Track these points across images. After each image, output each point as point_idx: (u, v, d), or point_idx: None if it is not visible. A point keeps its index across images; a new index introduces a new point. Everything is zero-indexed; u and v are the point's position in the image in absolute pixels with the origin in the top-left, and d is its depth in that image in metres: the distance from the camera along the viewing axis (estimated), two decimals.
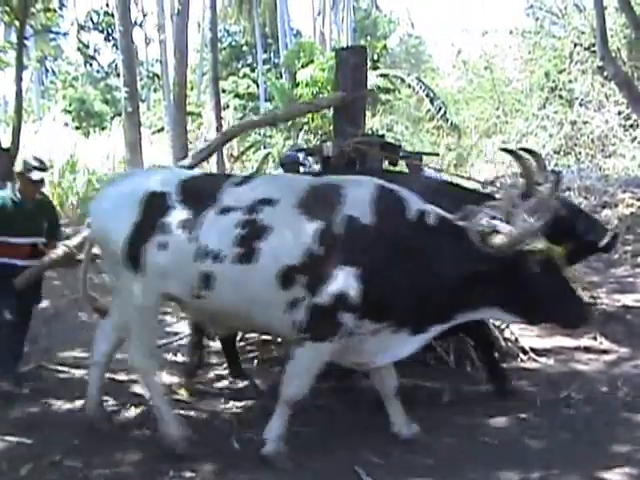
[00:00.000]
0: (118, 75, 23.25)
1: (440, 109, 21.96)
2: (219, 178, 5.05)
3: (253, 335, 6.71)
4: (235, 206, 4.35)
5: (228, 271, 4.25)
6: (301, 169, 8.95)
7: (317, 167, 9.37)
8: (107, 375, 6.12)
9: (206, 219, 4.33)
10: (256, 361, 6.48)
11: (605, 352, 6.86)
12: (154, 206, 4.47)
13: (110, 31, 39.46)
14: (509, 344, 6.83)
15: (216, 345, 7.10)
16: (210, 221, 4.33)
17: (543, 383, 6.10)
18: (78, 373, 6.29)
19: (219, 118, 22.12)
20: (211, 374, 6.39)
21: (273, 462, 4.40)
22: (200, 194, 4.48)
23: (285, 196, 4.36)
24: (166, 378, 6.18)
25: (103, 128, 28.78)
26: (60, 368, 6.41)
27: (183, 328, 7.84)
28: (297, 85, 21.92)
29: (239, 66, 42.87)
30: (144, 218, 4.45)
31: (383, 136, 7.91)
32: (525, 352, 6.80)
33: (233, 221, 4.29)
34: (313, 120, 21.66)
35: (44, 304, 9.13)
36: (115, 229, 4.53)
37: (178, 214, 4.41)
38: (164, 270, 4.39)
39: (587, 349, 6.91)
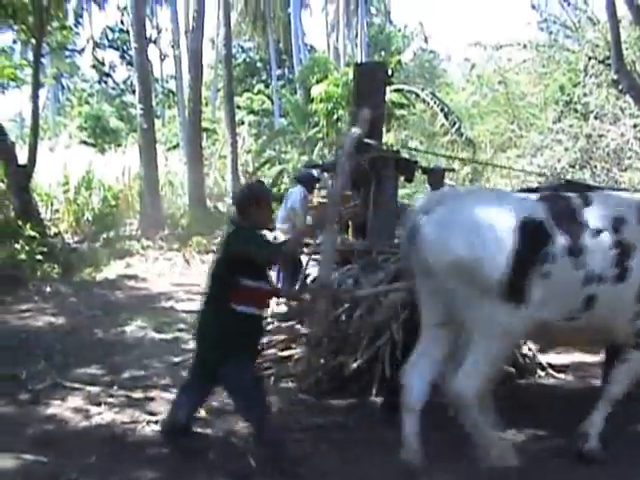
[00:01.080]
0: (133, 92, 23.46)
1: (454, 124, 21.94)
2: (562, 200, 4.75)
3: (271, 352, 6.68)
4: (601, 227, 4.45)
5: (608, 291, 4.41)
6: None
7: (331, 183, 9.40)
8: (122, 392, 6.15)
9: (584, 243, 4.39)
10: (273, 378, 6.44)
11: None
12: (533, 234, 4.32)
13: (125, 48, 40.08)
14: (527, 360, 6.78)
15: None
16: (589, 245, 4.39)
17: (562, 400, 6.04)
18: (94, 390, 6.27)
19: (234, 134, 22.24)
20: None
21: (594, 457, 4.67)
22: (566, 218, 4.47)
23: (629, 214, 4.56)
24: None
25: (119, 145, 28.97)
26: (76, 385, 6.38)
27: None
28: (312, 101, 21.98)
29: (253, 82, 43.06)
30: (524, 247, 4.27)
31: (398, 152, 7.88)
32: (543, 368, 6.75)
33: (606, 243, 4.41)
34: (328, 135, 21.71)
35: (60, 321, 9.24)
36: (489, 259, 4.26)
37: (559, 241, 4.36)
38: (544, 298, 4.32)
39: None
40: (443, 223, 4.41)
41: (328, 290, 5.28)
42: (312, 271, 8.40)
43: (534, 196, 4.74)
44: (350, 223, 8.74)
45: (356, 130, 6.41)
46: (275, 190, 21.17)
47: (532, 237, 4.26)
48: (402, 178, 7.72)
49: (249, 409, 4.63)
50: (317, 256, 8.24)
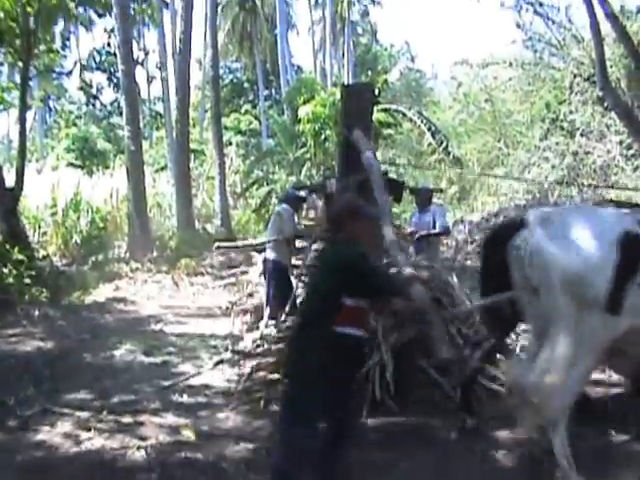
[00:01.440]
0: (121, 114, 23.40)
1: (442, 142, 22.00)
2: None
3: (260, 374, 6.69)
4: None
5: None
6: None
7: (320, 203, 9.44)
8: (112, 417, 6.13)
9: None
10: (262, 401, 6.43)
11: (614, 385, 6.80)
12: (632, 246, 4.48)
13: (112, 70, 40.10)
14: None
15: (221, 385, 7.10)
16: None
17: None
18: (83, 415, 6.24)
19: (222, 155, 22.26)
20: (218, 414, 6.35)
21: None
22: None
23: None
24: (171, 419, 6.15)
25: (106, 167, 28.95)
26: (66, 411, 6.35)
27: (188, 368, 7.84)
28: (299, 121, 22.01)
29: (241, 103, 43.29)
30: (625, 259, 4.43)
31: (387, 172, 7.92)
32: None
33: None
34: (316, 155, 21.76)
35: (49, 345, 9.20)
36: (599, 272, 4.42)
37: None
38: (636, 306, 4.48)
39: (596, 383, 6.85)
40: (557, 240, 4.56)
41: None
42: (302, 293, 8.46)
43: (626, 212, 5.08)
44: None
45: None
46: (263, 211, 21.22)
47: (632, 249, 4.44)
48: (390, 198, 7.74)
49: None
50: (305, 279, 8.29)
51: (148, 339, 9.55)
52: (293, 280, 8.36)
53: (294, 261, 8.88)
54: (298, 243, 9.14)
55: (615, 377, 6.95)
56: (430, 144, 22.50)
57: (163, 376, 7.56)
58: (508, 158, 22.50)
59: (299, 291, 8.03)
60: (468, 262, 13.82)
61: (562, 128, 21.05)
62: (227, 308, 10.67)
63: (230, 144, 30.50)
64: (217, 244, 10.95)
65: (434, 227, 9.27)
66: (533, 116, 22.57)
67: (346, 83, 28.67)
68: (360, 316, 4.33)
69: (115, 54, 24.14)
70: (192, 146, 23.76)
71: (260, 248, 10.19)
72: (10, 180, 13.49)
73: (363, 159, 6.68)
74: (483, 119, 24.99)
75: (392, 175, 9.83)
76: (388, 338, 6.10)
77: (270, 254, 9.01)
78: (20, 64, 13.92)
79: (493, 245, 5.37)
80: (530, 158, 20.73)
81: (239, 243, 13.63)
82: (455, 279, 7.00)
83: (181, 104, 20.70)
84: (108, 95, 45.51)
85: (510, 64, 23.64)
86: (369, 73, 43.26)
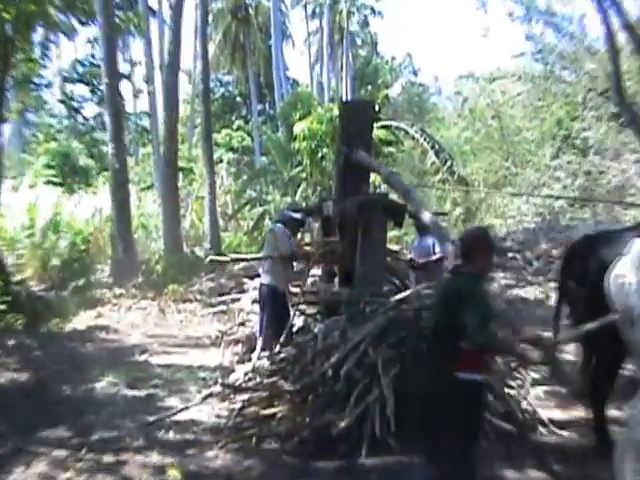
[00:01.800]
0: (104, 128, 23.46)
1: (446, 161, 22.12)
2: None
3: (252, 410, 6.66)
4: None
5: None
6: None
7: (316, 225, 9.46)
8: (92, 456, 6.09)
9: None
10: (254, 439, 6.40)
11: None
12: None
13: (96, 83, 40.21)
14: (527, 416, 6.77)
15: (210, 421, 7.06)
16: None
17: (565, 458, 6.01)
18: (61, 454, 6.19)
19: (212, 173, 22.26)
20: (207, 453, 6.30)
21: None
22: None
23: None
24: (156, 458, 6.11)
25: (89, 184, 28.98)
26: (41, 449, 6.30)
27: (175, 402, 7.79)
28: (294, 138, 22.11)
29: (233, 118, 43.44)
30: None
31: (387, 195, 7.95)
32: (545, 424, 6.73)
33: None
34: (312, 175, 21.82)
35: (24, 377, 9.14)
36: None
37: None
38: None
39: (612, 421, 6.83)
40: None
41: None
42: (298, 322, 8.45)
43: None
44: (336, 270, 8.81)
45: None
46: (256, 234, 21.24)
47: None
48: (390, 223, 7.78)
49: None
50: (302, 307, 8.29)
51: (132, 371, 9.50)
52: (290, 307, 8.35)
53: (291, 287, 8.86)
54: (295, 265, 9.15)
55: None
56: (433, 163, 22.63)
57: (148, 411, 7.50)
58: (516, 178, 22.59)
59: (296, 320, 8.04)
60: None
61: (574, 146, 21.15)
62: (217, 338, 10.63)
63: (221, 162, 30.56)
64: (210, 257, 11.03)
65: (434, 252, 9.25)
66: (543, 133, 22.66)
67: (345, 99, 28.95)
68: (480, 360, 4.37)
69: (99, 65, 24.21)
70: (180, 164, 23.81)
71: (253, 274, 10.20)
72: None
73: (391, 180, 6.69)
74: (490, 136, 25.08)
75: (392, 197, 9.83)
76: (389, 371, 6.10)
77: (265, 278, 8.93)
78: None
79: (585, 268, 5.65)
80: (540, 178, 20.81)
81: (233, 256, 13.70)
82: None
83: (169, 119, 20.72)
84: (91, 109, 45.54)
85: (519, 78, 23.80)
86: (369, 87, 43.56)
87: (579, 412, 6.96)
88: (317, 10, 44.65)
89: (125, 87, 35.52)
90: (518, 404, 6.77)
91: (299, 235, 10.72)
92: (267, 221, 21.88)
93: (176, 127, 21.50)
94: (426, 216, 6.38)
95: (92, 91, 43.61)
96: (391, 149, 23.42)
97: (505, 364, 6.94)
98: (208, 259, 10.92)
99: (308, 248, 9.50)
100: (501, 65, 24.49)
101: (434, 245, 9.27)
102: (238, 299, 12.56)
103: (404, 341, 6.36)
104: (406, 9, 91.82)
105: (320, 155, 21.40)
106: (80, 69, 44.10)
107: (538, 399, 6.98)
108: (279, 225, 9.09)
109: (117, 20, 20.46)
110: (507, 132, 24.37)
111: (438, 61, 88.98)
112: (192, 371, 9.34)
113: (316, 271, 10.11)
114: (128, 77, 37.55)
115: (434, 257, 9.19)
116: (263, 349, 8.14)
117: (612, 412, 6.13)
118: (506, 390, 6.75)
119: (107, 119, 19.13)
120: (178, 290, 15.90)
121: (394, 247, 10.50)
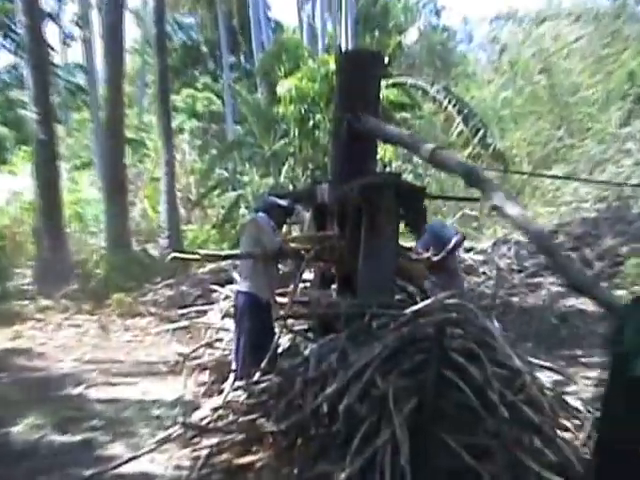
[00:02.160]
0: (24, 86, 23.36)
1: (478, 130, 22.07)
2: None
3: (223, 458, 6.69)
4: None
5: None
6: None
7: (307, 215, 9.46)
8: None
9: None
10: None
11: None
12: None
13: (11, 24, 40.01)
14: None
15: (167, 474, 7.08)
16: None
17: None
18: None
19: (170, 147, 22.21)
20: None
21: None
22: None
23: None
24: None
25: (3, 161, 28.94)
26: None
27: (120, 450, 7.82)
28: (278, 101, 22.06)
29: (197, 74, 43.35)
30: None
31: (400, 175, 7.98)
32: None
33: None
34: (301, 150, 21.81)
35: None
36: None
37: None
38: None
39: None
40: None
41: None
42: (284, 341, 8.49)
43: None
44: (334, 274, 8.83)
45: None
46: (228, 226, 21.26)
47: None
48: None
49: None
50: (290, 321, 8.34)
51: (63, 408, 9.50)
52: (274, 323, 8.38)
53: (276, 296, 8.89)
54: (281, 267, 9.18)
55: None
56: (461, 133, 22.56)
57: (84, 462, 7.49)
58: (572, 152, 22.53)
59: (282, 339, 8.06)
60: (514, 298, 13.84)
61: None
62: (177, 363, 10.67)
63: (182, 132, 30.58)
64: (173, 254, 11.05)
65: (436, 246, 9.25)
66: (610, 92, 22.58)
67: (344, 48, 28.92)
68: None
69: (13, 0, 24.14)
70: (128, 134, 23.76)
71: (226, 279, 10.22)
72: None
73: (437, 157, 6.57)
74: (537, 98, 25.02)
75: (407, 177, 9.85)
76: (403, 406, 6.11)
77: (242, 284, 8.91)
78: None
79: None
80: (604, 152, 20.76)
81: (203, 252, 13.76)
82: (496, 323, 7.03)
83: (111, 75, 20.67)
84: (4, 58, 45.34)
85: (577, 18, 23.66)
86: (376, 33, 43.46)
87: None
88: None
89: (51, 31, 35.40)
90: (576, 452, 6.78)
91: (285, 228, 10.74)
92: (243, 210, 21.87)
93: (121, 85, 21.45)
94: (514, 210, 5.88)
95: (5, 35, 43.35)
96: (405, 114, 23.40)
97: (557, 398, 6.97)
98: (170, 256, 10.92)
99: (296, 245, 9.51)
100: (552, 1, 24.34)
101: (441, 231, 9.34)
102: (205, 312, 12.60)
103: (422, 366, 6.37)
104: None
105: (312, 123, 21.38)
106: None
107: None
108: (261, 214, 9.09)
109: None
110: (560, 91, 24.30)
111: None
112: (144, 407, 9.38)
113: (308, 275, 10.14)
114: (55, 18, 37.39)
115: (450, 245, 9.21)
116: (239, 378, 8.16)
117: None
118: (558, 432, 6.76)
119: (27, 72, 19.07)
120: (125, 301, 15.96)
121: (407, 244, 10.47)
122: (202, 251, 13.69)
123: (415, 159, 22.46)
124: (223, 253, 13.09)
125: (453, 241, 9.24)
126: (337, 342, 6.79)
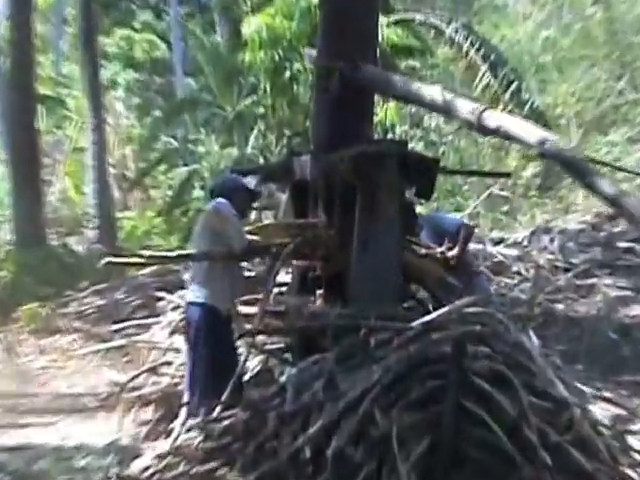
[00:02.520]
0: None
1: (510, 83, 22.11)
2: None
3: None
4: None
5: None
6: None
7: (283, 197, 9.48)
8: None
9: None
10: None
11: None
12: None
13: None
14: None
15: None
16: None
17: None
18: None
19: (99, 107, 22.15)
20: None
21: None
22: None
23: None
24: None
25: None
26: None
27: None
28: (244, 45, 22.05)
29: (133, 8, 43.26)
30: None
31: (406, 143, 8.02)
32: None
33: None
34: (274, 110, 21.79)
35: None
36: None
37: None
38: None
39: None
40: None
41: None
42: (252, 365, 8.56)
43: None
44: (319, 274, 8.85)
45: None
46: (178, 213, 21.29)
47: None
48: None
49: None
50: (260, 338, 8.41)
51: None
52: (238, 341, 8.40)
53: (241, 306, 8.92)
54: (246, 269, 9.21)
55: None
56: (488, 86, 22.58)
57: None
58: (635, 111, 22.57)
59: (250, 362, 8.08)
60: (559, 306, 13.80)
61: None
62: (110, 396, 10.70)
63: (115, 86, 30.54)
64: (106, 259, 11.02)
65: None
66: None
67: None
68: None
69: None
70: (40, 89, 23.66)
71: (175, 283, 10.25)
72: None
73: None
74: (590, 38, 25.02)
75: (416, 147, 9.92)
76: (409, 451, 6.13)
77: (196, 292, 8.88)
78: None
79: None
80: None
81: (147, 253, 13.67)
82: (534, 339, 7.05)
83: (16, 9, 20.62)
84: None
85: None
86: None
87: None
88: None
89: None
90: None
91: (253, 214, 10.76)
92: (197, 191, 21.87)
93: (31, 24, 21.37)
94: (607, 186, 5.74)
95: None
96: (413, 62, 23.48)
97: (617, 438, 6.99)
98: (102, 262, 10.81)
99: (267, 237, 9.52)
100: None
101: (442, 221, 9.44)
102: (148, 327, 12.63)
103: (436, 396, 6.37)
104: None
105: (289, 75, 21.38)
106: None
107: None
108: (222, 201, 9.02)
109: None
110: (621, 28, 24.30)
111: None
112: (64, 456, 9.35)
113: (284, 277, 10.15)
114: None
115: (462, 234, 9.27)
116: (192, 414, 8.18)
117: None
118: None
119: None
120: (39, 313, 15.94)
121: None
122: (145, 252, 13.63)
123: (427, 122, 22.51)
124: (174, 254, 12.89)
125: (463, 231, 9.30)
126: (323, 365, 6.78)
